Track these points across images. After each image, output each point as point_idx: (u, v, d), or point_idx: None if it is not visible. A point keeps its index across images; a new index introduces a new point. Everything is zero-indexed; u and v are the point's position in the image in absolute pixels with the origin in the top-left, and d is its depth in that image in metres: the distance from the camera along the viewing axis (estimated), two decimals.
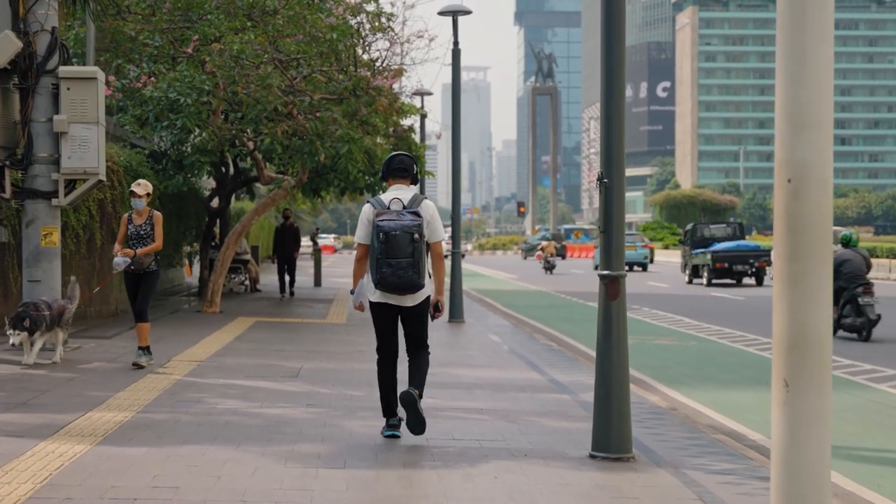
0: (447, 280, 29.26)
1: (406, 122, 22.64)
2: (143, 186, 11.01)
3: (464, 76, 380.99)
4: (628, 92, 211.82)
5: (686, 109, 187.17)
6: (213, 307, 18.77)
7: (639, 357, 14.28)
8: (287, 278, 23.70)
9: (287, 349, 13.19)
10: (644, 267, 47.93)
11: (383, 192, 7.86)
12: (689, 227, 37.71)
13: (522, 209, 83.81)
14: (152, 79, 16.93)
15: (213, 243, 23.20)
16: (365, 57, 18.69)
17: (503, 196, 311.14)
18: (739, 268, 32.60)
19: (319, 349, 13.33)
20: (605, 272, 7.02)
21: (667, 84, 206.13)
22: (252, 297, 23.85)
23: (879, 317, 16.31)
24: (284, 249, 23.49)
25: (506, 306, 24.40)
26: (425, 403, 8.60)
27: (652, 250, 51.65)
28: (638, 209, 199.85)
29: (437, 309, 7.48)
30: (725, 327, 18.84)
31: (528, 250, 71.57)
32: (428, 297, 7.46)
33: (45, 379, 9.89)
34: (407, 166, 7.50)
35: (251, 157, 19.99)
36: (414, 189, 7.51)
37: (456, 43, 18.82)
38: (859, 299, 16.31)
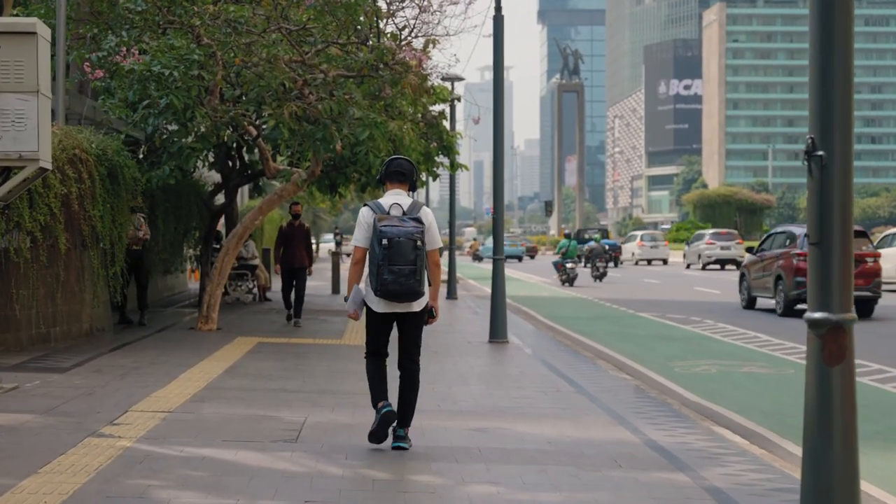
0: (454, 282, 26.57)
1: (436, 108, 19.58)
2: None
3: (486, 75, 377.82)
4: (647, 89, 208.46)
5: (713, 107, 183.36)
6: (208, 324, 15.81)
7: (736, 394, 11.27)
8: (294, 296, 17.15)
9: (289, 388, 10.19)
10: (520, 258, 66.13)
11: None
12: (576, 231, 62.54)
13: (551, 210, 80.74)
14: (141, 56, 13.95)
15: (216, 246, 20.22)
16: (389, 29, 15.67)
17: (526, 195, 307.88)
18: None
19: (331, 387, 10.32)
20: (818, 315, 3.98)
21: (693, 82, 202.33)
22: (258, 308, 20.88)
23: (605, 273, 36.08)
24: (292, 257, 16.96)
25: (549, 318, 21.37)
26: (480, 491, 5.73)
27: (533, 248, 75.59)
28: (664, 208, 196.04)
29: (431, 315, 7.51)
30: (788, 341, 15.80)
31: None
32: (427, 305, 7.41)
33: None
34: (405, 171, 7.44)
35: (256, 146, 17.01)
36: (412, 195, 7.50)
37: (498, 9, 15.77)
38: (597, 264, 35.63)
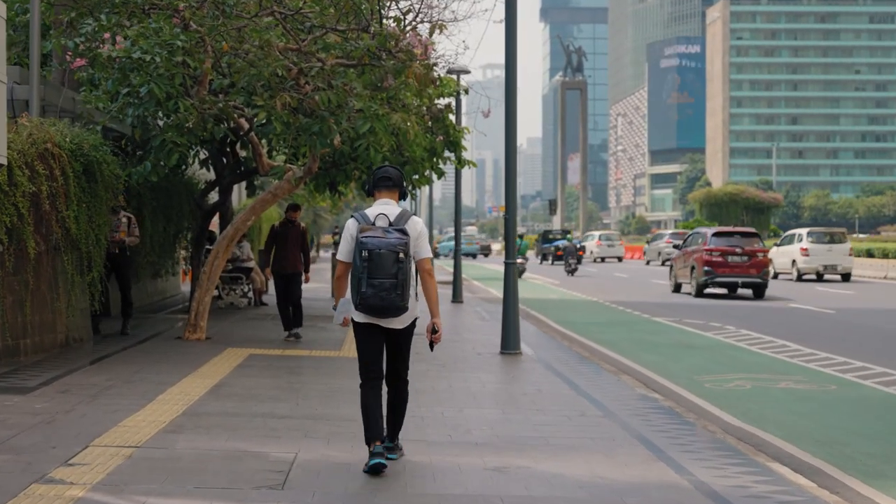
0: (460, 284, 25.21)
1: (442, 101, 18.32)
2: None
3: (488, 74, 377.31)
4: (653, 88, 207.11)
5: (717, 105, 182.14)
6: (196, 333, 14.61)
7: (779, 416, 10.12)
8: (292, 308, 15.12)
9: (279, 412, 8.98)
10: (474, 256, 74.89)
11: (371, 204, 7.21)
12: (541, 233, 68.25)
13: (555, 209, 79.77)
14: (123, 42, 12.73)
15: (209, 247, 19.01)
16: (392, 14, 14.46)
17: (528, 194, 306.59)
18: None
19: (327, 412, 9.12)
20: None
21: (697, 80, 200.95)
22: (253, 314, 19.67)
23: (577, 269, 42.81)
24: (285, 261, 15.02)
25: (560, 324, 20.27)
26: None
27: (487, 246, 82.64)
28: (667, 207, 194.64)
29: (434, 331, 6.99)
30: (820, 350, 14.77)
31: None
32: (415, 321, 7.04)
33: None
34: (392, 177, 7.14)
35: (248, 141, 15.80)
36: (401, 205, 7.19)
37: None
38: (570, 261, 42.39)
